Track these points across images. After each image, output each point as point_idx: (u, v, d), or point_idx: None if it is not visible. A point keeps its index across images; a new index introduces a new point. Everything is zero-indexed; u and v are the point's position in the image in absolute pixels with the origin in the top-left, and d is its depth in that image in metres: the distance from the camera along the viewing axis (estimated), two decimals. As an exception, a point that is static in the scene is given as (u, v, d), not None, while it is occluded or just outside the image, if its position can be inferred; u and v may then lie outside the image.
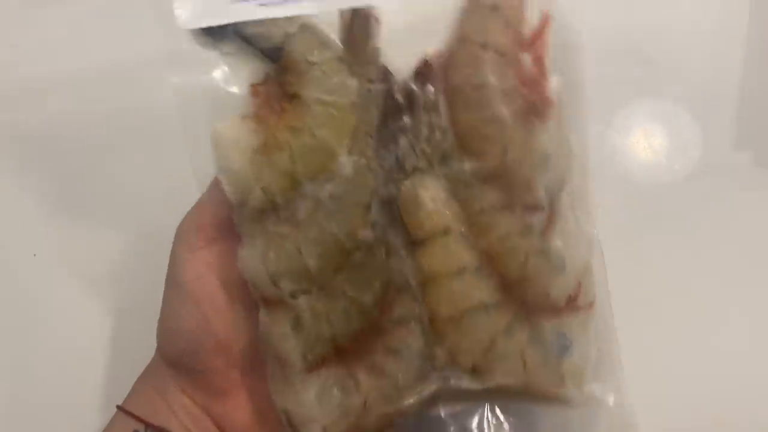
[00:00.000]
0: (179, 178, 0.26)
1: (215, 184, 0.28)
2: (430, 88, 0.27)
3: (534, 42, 0.26)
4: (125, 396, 0.30)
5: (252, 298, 0.27)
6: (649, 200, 0.38)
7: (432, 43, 0.27)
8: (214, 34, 0.26)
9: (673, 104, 0.38)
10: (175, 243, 0.29)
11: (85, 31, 0.35)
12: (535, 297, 0.27)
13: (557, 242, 0.28)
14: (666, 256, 0.37)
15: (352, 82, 0.26)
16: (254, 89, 0.26)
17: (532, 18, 0.26)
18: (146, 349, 0.29)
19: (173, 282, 0.29)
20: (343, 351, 0.27)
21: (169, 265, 0.29)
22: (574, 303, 0.28)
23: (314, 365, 0.27)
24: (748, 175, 0.38)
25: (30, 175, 0.36)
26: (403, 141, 0.27)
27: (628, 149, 0.38)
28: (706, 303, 0.36)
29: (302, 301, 0.26)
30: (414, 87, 0.27)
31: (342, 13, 0.26)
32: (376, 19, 0.26)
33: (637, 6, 0.38)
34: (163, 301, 0.29)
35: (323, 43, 0.26)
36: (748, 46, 0.38)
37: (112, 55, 0.34)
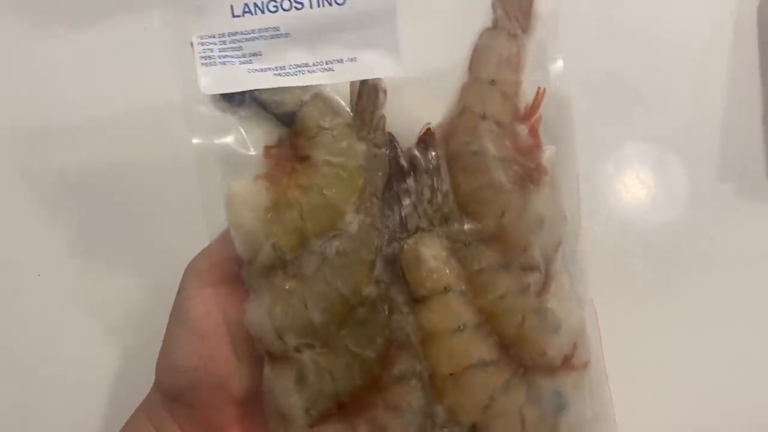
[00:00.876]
0: (192, 225, 0.27)
1: (225, 229, 0.28)
2: (433, 154, 0.29)
3: (529, 114, 0.29)
4: (121, 426, 0.29)
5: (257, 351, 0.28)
6: (639, 236, 0.39)
7: (434, 113, 0.29)
8: (232, 100, 0.28)
9: (660, 140, 0.39)
10: (184, 279, 0.29)
11: (114, 83, 0.37)
12: (532, 356, 0.28)
13: (553, 303, 0.29)
14: (658, 294, 0.38)
15: (360, 147, 0.28)
16: (267, 151, 0.28)
17: (527, 92, 0.29)
18: (146, 379, 0.29)
19: (179, 317, 0.29)
20: (345, 407, 0.27)
21: (176, 301, 0.29)
22: (569, 362, 0.29)
23: (316, 421, 0.27)
24: (732, 205, 0.39)
25: (54, 212, 0.37)
26: (406, 202, 0.28)
27: (616, 185, 0.39)
28: (699, 340, 0.37)
29: (306, 356, 0.27)
30: (417, 152, 0.29)
31: (352, 83, 0.28)
32: (383, 90, 0.28)
33: (623, 43, 0.39)
34: (165, 335, 0.29)
35: (334, 110, 0.28)
36: (731, 84, 0.39)
37: (137, 106, 0.36)
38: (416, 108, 0.29)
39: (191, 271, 0.29)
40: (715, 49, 0.40)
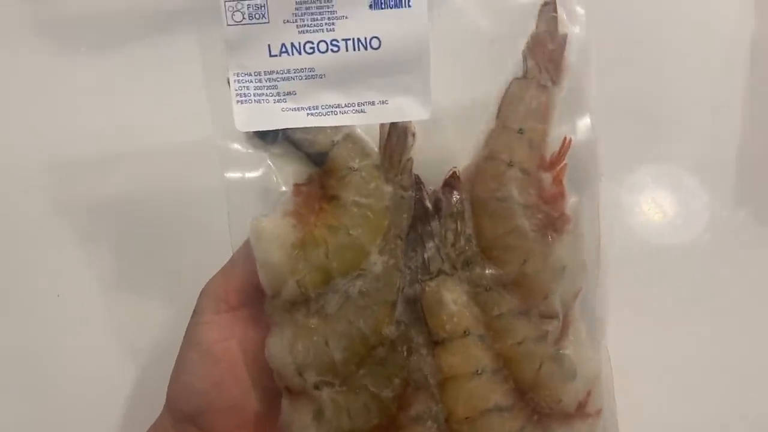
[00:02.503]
0: (219, 256, 0.28)
1: (244, 253, 0.29)
2: (458, 198, 0.29)
3: (554, 164, 0.29)
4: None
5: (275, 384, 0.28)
6: (656, 260, 0.39)
7: (460, 157, 0.30)
8: (265, 137, 0.28)
9: (676, 163, 0.39)
10: (199, 302, 0.29)
11: (149, 117, 0.38)
12: (548, 402, 0.28)
13: (570, 350, 0.29)
14: (673, 317, 0.38)
15: (387, 188, 0.28)
16: (297, 189, 0.28)
17: (553, 142, 0.29)
18: (157, 401, 0.30)
19: (193, 340, 0.29)
20: (361, 445, 0.28)
21: (190, 324, 0.29)
22: (583, 410, 0.29)
23: (332, 458, 0.27)
24: (748, 231, 0.39)
25: (83, 239, 0.37)
26: (430, 245, 0.29)
27: (632, 209, 0.39)
28: (716, 362, 0.37)
29: (325, 393, 0.27)
30: (442, 196, 0.29)
31: (382, 125, 0.29)
32: (412, 134, 0.29)
33: (637, 67, 0.39)
34: (178, 358, 0.29)
35: (364, 151, 0.29)
36: (747, 106, 0.40)
37: (170, 139, 0.37)
38: (443, 152, 0.30)
39: (207, 294, 0.30)
40: (730, 72, 0.40)
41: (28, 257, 0.37)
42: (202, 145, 0.28)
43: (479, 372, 0.28)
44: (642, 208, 0.39)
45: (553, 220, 0.29)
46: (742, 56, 0.40)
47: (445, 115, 0.29)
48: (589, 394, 0.30)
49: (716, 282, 0.38)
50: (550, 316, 0.29)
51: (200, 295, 0.29)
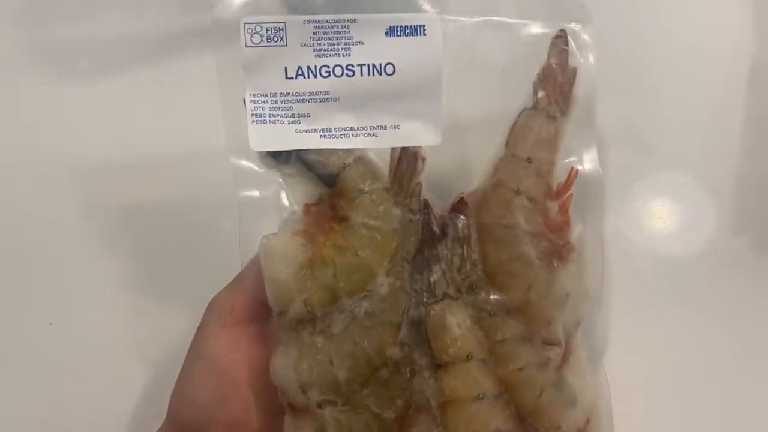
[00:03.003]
0: (228, 269, 0.28)
1: (253, 269, 0.29)
2: (464, 224, 0.30)
3: (561, 193, 0.30)
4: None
5: (279, 401, 0.28)
6: (651, 289, 0.39)
7: (467, 183, 0.30)
8: (278, 157, 0.29)
9: (673, 191, 0.40)
10: (205, 316, 0.30)
11: (168, 126, 0.39)
12: (547, 428, 0.29)
13: (570, 377, 0.29)
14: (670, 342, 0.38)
15: (396, 211, 0.29)
16: (307, 208, 0.29)
17: (560, 172, 0.30)
18: (157, 413, 0.30)
19: (198, 353, 0.29)
20: (361, 465, 0.28)
21: (196, 336, 0.30)
22: (582, 437, 0.30)
23: (332, 477, 0.27)
24: (746, 259, 0.39)
25: (100, 246, 0.38)
26: (436, 268, 0.29)
27: (629, 234, 0.40)
28: (721, 375, 0.38)
29: (328, 412, 0.28)
30: (450, 221, 0.29)
31: (393, 149, 0.29)
32: (422, 158, 0.29)
33: (635, 95, 0.40)
34: (182, 370, 0.30)
35: (374, 174, 0.29)
36: (745, 132, 0.40)
37: (187, 153, 0.38)
38: (450, 177, 0.30)
39: (214, 307, 0.30)
40: (729, 101, 0.40)
41: (53, 256, 0.38)
42: (217, 160, 0.29)
43: (481, 396, 0.28)
44: (637, 236, 0.40)
45: (558, 248, 0.29)
46: (741, 87, 0.40)
47: (455, 141, 0.30)
48: (588, 421, 0.30)
49: (718, 305, 0.39)
50: (553, 343, 0.29)
51: (207, 308, 0.30)
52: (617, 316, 0.34)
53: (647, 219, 0.40)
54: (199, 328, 0.29)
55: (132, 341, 0.37)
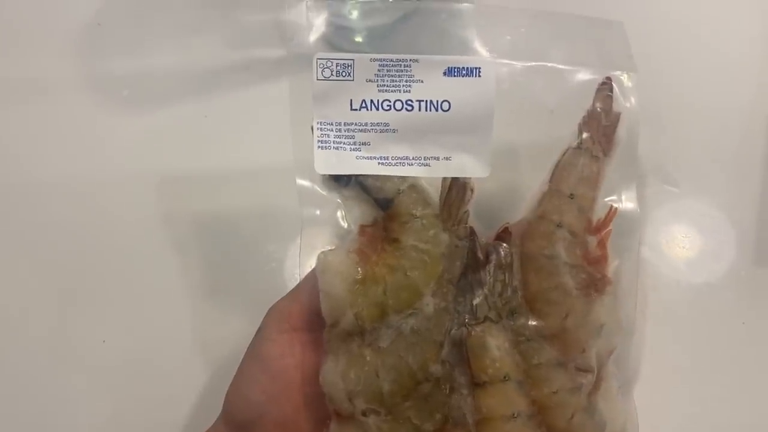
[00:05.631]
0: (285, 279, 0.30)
1: (310, 282, 0.31)
2: (507, 252, 0.31)
3: (600, 229, 0.31)
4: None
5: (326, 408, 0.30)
6: (670, 308, 0.40)
7: (512, 215, 0.32)
8: (339, 180, 0.31)
9: (695, 221, 0.41)
10: (265, 320, 0.32)
11: (240, 148, 0.42)
12: (577, 451, 0.30)
13: (601, 404, 0.31)
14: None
15: (444, 237, 0.31)
16: (362, 229, 0.31)
17: (600, 209, 0.32)
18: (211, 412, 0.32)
19: (254, 355, 0.31)
20: (400, 474, 0.29)
21: (254, 339, 0.32)
22: (610, 463, 0.31)
23: (373, 482, 0.29)
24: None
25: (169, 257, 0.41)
26: (479, 292, 0.31)
27: (650, 260, 0.40)
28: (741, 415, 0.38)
29: (371, 420, 0.29)
30: (494, 249, 0.31)
31: (444, 179, 0.31)
32: (471, 189, 0.31)
33: (654, 124, 0.40)
34: (239, 369, 0.32)
35: (426, 201, 0.31)
36: (766, 166, 0.41)
37: (253, 170, 0.41)
38: (496, 208, 0.32)
39: (273, 313, 0.32)
40: (751, 134, 0.41)
41: (126, 261, 0.41)
42: (281, 181, 0.31)
43: (515, 415, 0.30)
44: (654, 265, 0.40)
45: (595, 280, 0.31)
46: (763, 118, 0.41)
47: (503, 174, 0.32)
48: (616, 448, 0.31)
49: (741, 333, 0.39)
50: (586, 370, 0.31)
51: (267, 313, 0.32)
52: (643, 345, 0.35)
53: (671, 248, 0.40)
54: (258, 331, 0.31)
55: (194, 343, 0.39)
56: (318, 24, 0.31)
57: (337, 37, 0.33)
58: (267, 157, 0.35)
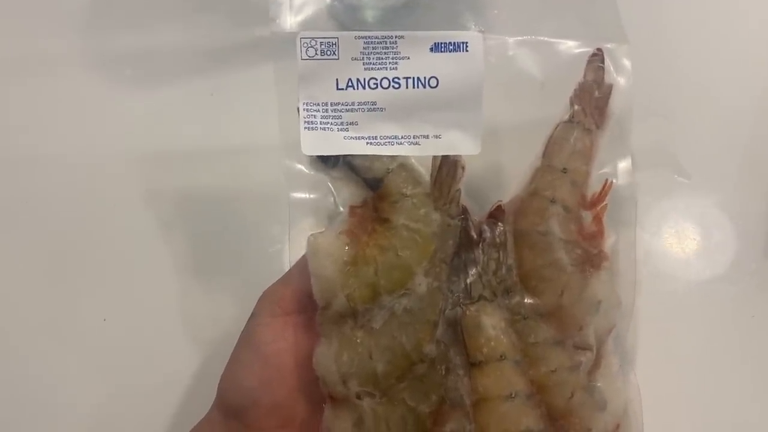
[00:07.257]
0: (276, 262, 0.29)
1: (301, 265, 0.31)
2: (501, 230, 0.31)
3: (595, 203, 0.31)
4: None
5: (319, 391, 0.30)
6: (681, 301, 0.39)
7: (504, 192, 0.32)
8: (327, 162, 0.31)
9: (706, 212, 0.40)
10: (258, 305, 0.31)
11: (223, 128, 0.42)
12: (577, 430, 0.30)
13: (601, 382, 0.30)
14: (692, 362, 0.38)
15: (436, 216, 0.30)
16: (352, 210, 0.31)
17: (595, 184, 0.31)
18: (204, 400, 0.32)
19: (247, 340, 0.31)
20: (396, 456, 0.29)
21: (247, 324, 0.31)
22: (612, 442, 0.30)
23: (368, 466, 0.29)
24: None
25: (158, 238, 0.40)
26: (472, 271, 0.30)
27: (660, 251, 0.40)
28: (743, 399, 0.38)
29: (366, 403, 0.29)
30: (487, 227, 0.31)
31: (434, 157, 0.31)
32: (462, 166, 0.31)
33: (672, 119, 0.40)
34: (233, 355, 0.31)
35: (416, 180, 0.31)
36: None
37: (242, 149, 0.41)
38: (488, 185, 0.32)
39: (265, 298, 0.32)
40: (761, 126, 0.41)
41: (114, 242, 0.40)
42: (270, 162, 0.31)
43: (513, 395, 0.29)
44: (669, 257, 0.40)
45: (591, 256, 0.30)
46: None
47: (494, 151, 0.31)
48: (617, 426, 0.31)
49: (745, 325, 0.39)
50: (584, 348, 0.30)
51: (259, 298, 0.31)
52: (647, 333, 0.35)
53: (681, 240, 0.40)
54: (251, 316, 0.31)
55: (186, 328, 0.39)
56: (299, 3, 0.30)
57: (346, 15, 0.33)
58: (270, 137, 0.35)
